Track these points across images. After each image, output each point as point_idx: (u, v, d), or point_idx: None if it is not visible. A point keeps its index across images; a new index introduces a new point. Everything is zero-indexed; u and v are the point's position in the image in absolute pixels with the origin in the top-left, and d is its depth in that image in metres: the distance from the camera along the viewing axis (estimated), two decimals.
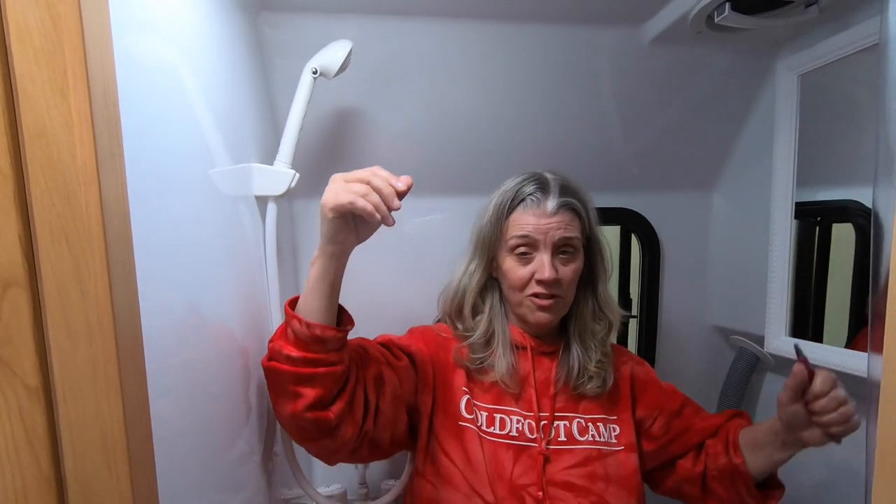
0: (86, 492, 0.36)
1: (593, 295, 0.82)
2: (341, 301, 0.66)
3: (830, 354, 0.86)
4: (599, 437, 0.77)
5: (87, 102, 0.33)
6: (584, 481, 0.72)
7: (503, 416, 0.75)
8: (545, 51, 0.93)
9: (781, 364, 1.03)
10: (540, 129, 1.03)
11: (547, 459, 0.73)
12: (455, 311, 0.82)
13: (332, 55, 0.77)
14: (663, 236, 1.16)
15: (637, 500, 0.76)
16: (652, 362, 1.19)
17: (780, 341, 0.96)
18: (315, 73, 0.77)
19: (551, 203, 0.75)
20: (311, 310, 0.61)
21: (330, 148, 0.98)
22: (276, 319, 0.84)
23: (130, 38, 0.43)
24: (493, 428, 0.75)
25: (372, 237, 1.06)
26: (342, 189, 0.56)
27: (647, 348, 1.19)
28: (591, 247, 0.81)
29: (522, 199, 0.77)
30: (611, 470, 0.74)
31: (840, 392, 0.64)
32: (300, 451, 0.96)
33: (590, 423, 0.77)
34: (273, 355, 0.62)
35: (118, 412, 0.36)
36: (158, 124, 0.50)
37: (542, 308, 0.76)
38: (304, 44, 0.83)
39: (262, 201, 0.83)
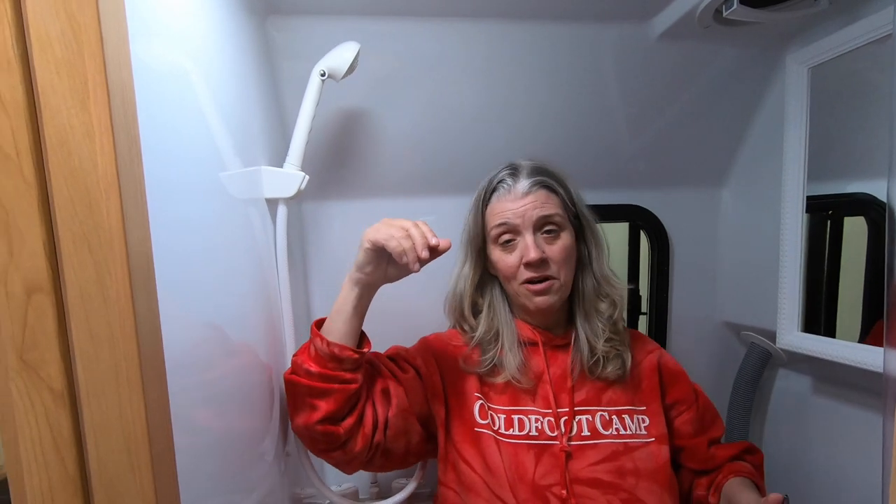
0: (110, 493, 0.37)
1: (592, 273, 0.80)
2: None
3: (843, 350, 0.85)
4: (626, 429, 0.74)
5: (107, 111, 0.33)
6: (612, 477, 0.70)
7: (521, 416, 0.74)
8: (551, 49, 0.93)
9: (794, 359, 1.02)
10: (547, 126, 1.03)
11: (569, 456, 0.71)
12: (458, 315, 0.82)
13: (340, 57, 0.78)
14: (672, 232, 1.15)
15: (670, 496, 0.73)
16: None
17: (792, 337, 0.95)
18: (323, 75, 0.78)
19: (522, 184, 0.75)
20: (334, 330, 0.66)
21: (337, 150, 0.98)
22: (288, 320, 0.85)
23: (142, 45, 0.44)
24: (511, 429, 0.73)
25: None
26: (384, 227, 0.64)
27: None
28: (579, 224, 0.80)
29: (495, 188, 0.77)
30: (640, 464, 0.72)
31: None
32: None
33: (614, 416, 0.75)
34: (295, 369, 0.67)
35: (140, 415, 0.37)
36: (171, 130, 0.51)
37: (537, 293, 0.75)
38: (311, 46, 0.83)
39: (272, 204, 0.84)
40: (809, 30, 0.88)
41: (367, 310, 0.68)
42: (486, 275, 0.82)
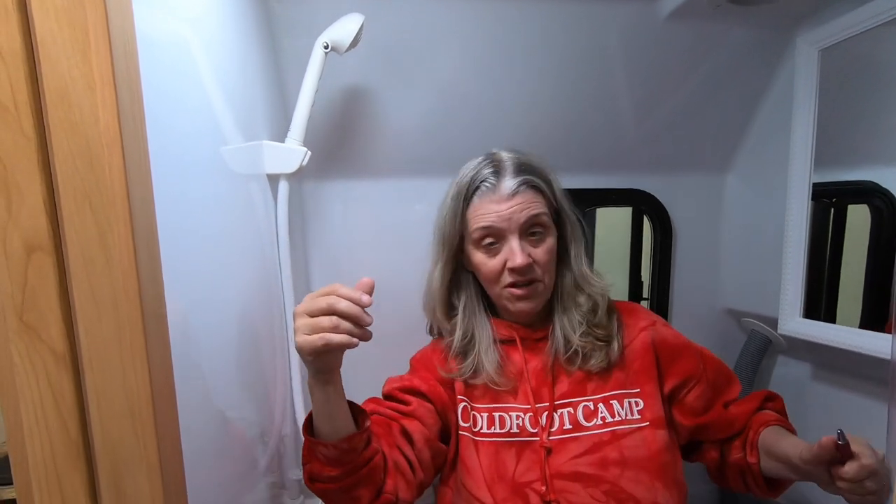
0: (113, 458, 0.36)
1: (571, 270, 0.77)
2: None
3: (845, 335, 0.85)
4: (613, 416, 0.71)
5: (108, 63, 0.32)
6: (594, 469, 0.68)
7: (502, 413, 0.72)
8: (559, 29, 0.91)
9: (794, 346, 1.02)
10: (553, 109, 1.01)
11: (549, 452, 0.69)
12: (432, 315, 0.79)
13: (344, 29, 0.76)
14: (676, 218, 1.15)
15: (663, 482, 0.69)
16: None
17: (794, 323, 0.95)
18: (326, 47, 0.76)
19: (507, 184, 0.69)
20: (330, 431, 0.60)
21: (340, 128, 0.97)
22: (289, 295, 0.84)
23: (142, 13, 0.42)
24: (493, 427, 0.72)
25: (374, 225, 1.06)
26: (310, 328, 0.53)
27: None
28: (560, 220, 0.76)
29: (477, 187, 0.71)
30: (628, 452, 0.69)
31: (870, 484, 0.56)
32: None
33: (600, 404, 0.72)
34: (314, 477, 0.62)
35: (144, 379, 0.36)
36: (172, 100, 0.50)
37: (521, 298, 0.72)
38: (313, 20, 0.81)
39: (273, 180, 0.83)
40: (822, 10, 0.87)
41: (342, 388, 0.61)
42: (461, 272, 0.78)
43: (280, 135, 0.83)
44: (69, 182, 0.33)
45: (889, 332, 0.81)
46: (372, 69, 0.91)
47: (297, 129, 0.79)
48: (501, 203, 0.69)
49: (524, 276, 0.70)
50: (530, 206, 0.70)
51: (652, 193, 1.13)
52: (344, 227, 1.06)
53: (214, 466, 0.55)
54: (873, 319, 0.88)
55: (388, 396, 0.75)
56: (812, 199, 0.93)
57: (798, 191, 0.92)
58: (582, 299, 0.75)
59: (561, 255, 0.76)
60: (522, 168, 0.71)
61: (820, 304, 0.97)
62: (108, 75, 0.32)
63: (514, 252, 0.69)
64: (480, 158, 0.74)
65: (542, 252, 0.71)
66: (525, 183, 0.70)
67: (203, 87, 0.59)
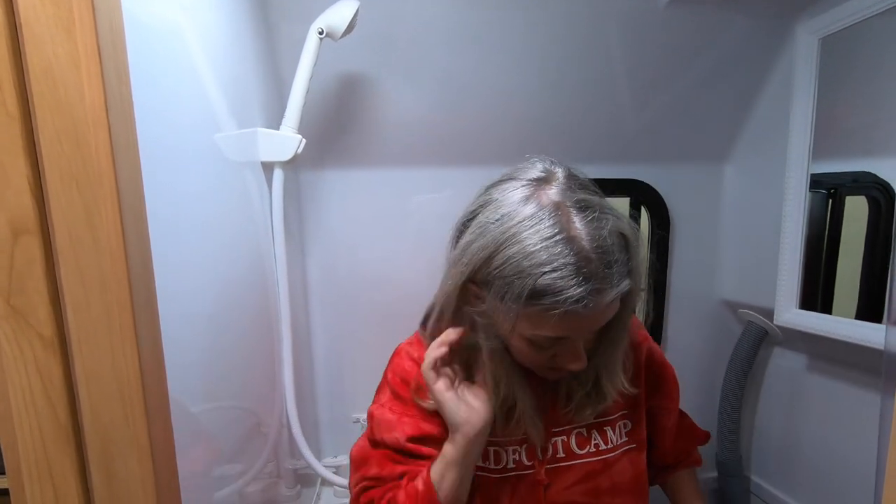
0: (104, 442, 0.36)
1: (597, 359, 0.63)
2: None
3: (840, 326, 0.86)
4: (607, 443, 0.67)
5: (94, 40, 0.31)
6: (587, 498, 0.66)
7: (497, 448, 0.66)
8: (560, 16, 0.90)
9: (790, 337, 1.02)
10: (551, 98, 1.00)
11: (546, 488, 0.65)
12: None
13: (339, 14, 0.75)
14: (674, 209, 1.14)
15: (643, 499, 0.69)
16: (659, 336, 1.19)
17: (790, 314, 0.95)
18: (321, 33, 0.75)
19: (605, 298, 0.51)
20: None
21: (336, 116, 0.96)
22: (283, 285, 0.83)
23: None
24: (487, 463, 0.65)
25: (372, 216, 1.06)
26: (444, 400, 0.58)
27: (655, 322, 1.19)
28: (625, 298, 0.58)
29: (563, 303, 0.50)
30: (618, 478, 0.67)
31: None
32: (306, 423, 0.97)
33: (594, 431, 0.67)
34: None
35: (134, 363, 0.36)
36: (163, 87, 0.49)
37: (555, 378, 0.63)
38: (307, 5, 0.80)
39: (268, 168, 0.82)
40: None
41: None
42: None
43: (275, 122, 0.82)
44: (55, 162, 0.32)
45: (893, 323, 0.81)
46: (368, 56, 0.90)
47: (292, 117, 0.79)
48: (583, 321, 0.53)
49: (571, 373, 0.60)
50: (611, 314, 0.55)
51: (650, 184, 1.12)
52: (341, 218, 1.05)
53: (208, 454, 0.55)
54: (870, 311, 0.88)
55: (400, 450, 0.64)
56: (810, 190, 0.92)
57: (796, 181, 0.92)
58: (594, 384, 0.65)
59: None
60: (621, 272, 0.52)
61: (816, 295, 0.97)
62: (94, 53, 0.32)
63: (574, 355, 0.57)
64: (558, 236, 0.50)
65: (594, 341, 0.61)
66: (622, 292, 0.53)
67: (196, 73, 0.58)
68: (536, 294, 0.50)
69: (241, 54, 0.74)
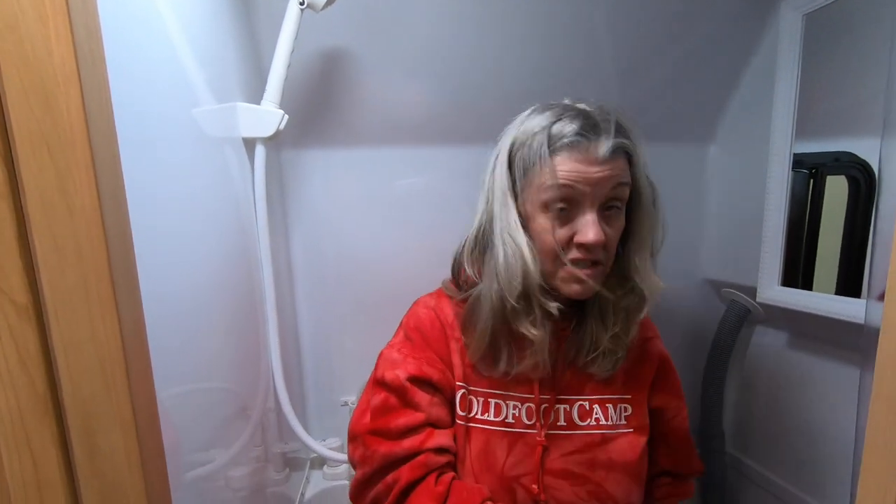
0: (85, 414, 0.35)
1: (626, 258, 0.65)
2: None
3: (821, 301, 0.88)
4: (606, 419, 0.68)
5: None
6: (582, 469, 0.66)
7: (499, 400, 0.67)
8: None
9: (772, 315, 1.04)
10: (536, 76, 1.00)
11: (546, 450, 0.66)
12: (518, 285, 0.63)
13: None
14: (658, 188, 1.15)
15: (638, 486, 0.69)
16: None
17: (772, 291, 0.97)
18: (302, 4, 0.73)
19: (603, 146, 0.57)
20: None
21: (319, 92, 0.94)
22: (267, 263, 0.82)
23: None
24: (487, 414, 0.67)
25: (355, 194, 1.04)
26: None
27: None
28: (636, 199, 0.64)
29: (564, 139, 0.58)
30: (614, 455, 0.68)
31: None
32: (295, 406, 0.96)
33: (595, 405, 0.69)
34: None
35: (115, 333, 0.35)
36: (137, 57, 0.47)
37: (580, 280, 0.61)
38: None
39: (249, 144, 0.80)
40: None
41: None
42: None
43: (255, 97, 0.80)
44: (24, 123, 0.31)
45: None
46: (351, 29, 0.88)
47: (273, 91, 0.77)
48: (591, 165, 0.58)
49: (591, 255, 0.61)
50: (618, 175, 0.59)
51: None
52: (325, 197, 1.04)
53: (195, 432, 0.54)
54: (848, 287, 0.90)
55: (395, 388, 0.65)
56: (792, 169, 0.94)
57: (779, 161, 0.93)
58: (626, 301, 0.66)
59: (622, 238, 0.65)
60: (620, 129, 0.60)
61: (798, 272, 0.99)
62: (62, 6, 0.30)
63: (590, 225, 0.59)
64: (560, 107, 0.61)
65: (614, 231, 0.62)
66: (621, 147, 0.59)
67: (171, 43, 0.56)
68: (552, 139, 0.59)
69: (218, 24, 0.72)
